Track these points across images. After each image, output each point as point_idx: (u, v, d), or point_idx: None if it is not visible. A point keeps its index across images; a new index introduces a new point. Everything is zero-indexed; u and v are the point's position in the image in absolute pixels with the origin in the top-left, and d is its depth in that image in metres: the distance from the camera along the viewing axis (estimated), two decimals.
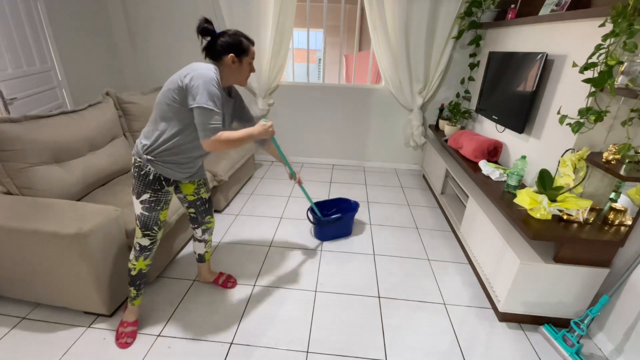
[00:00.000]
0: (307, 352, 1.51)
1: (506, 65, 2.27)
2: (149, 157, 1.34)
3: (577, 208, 1.53)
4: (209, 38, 1.33)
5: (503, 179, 2.04)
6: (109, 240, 1.52)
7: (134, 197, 1.41)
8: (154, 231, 1.46)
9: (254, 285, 1.89)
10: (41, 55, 2.57)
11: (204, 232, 1.73)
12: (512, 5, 2.41)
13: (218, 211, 2.66)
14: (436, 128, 3.23)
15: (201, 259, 1.83)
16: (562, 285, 1.57)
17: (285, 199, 2.91)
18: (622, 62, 1.37)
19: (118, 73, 3.44)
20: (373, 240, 2.36)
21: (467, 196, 2.21)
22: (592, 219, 1.56)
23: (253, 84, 3.29)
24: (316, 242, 2.31)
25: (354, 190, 3.12)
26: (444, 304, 1.82)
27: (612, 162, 1.43)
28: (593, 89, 1.47)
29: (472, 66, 2.99)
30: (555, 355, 1.54)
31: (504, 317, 1.72)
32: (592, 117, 1.45)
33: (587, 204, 1.52)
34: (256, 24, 3.03)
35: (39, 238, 1.40)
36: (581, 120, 1.50)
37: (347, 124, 3.55)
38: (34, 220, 1.42)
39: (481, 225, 1.96)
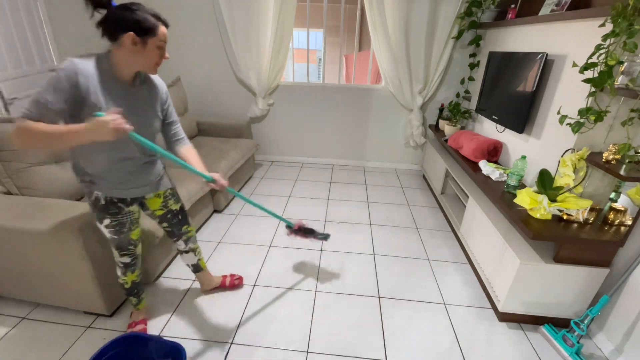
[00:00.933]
0: (307, 352, 1.51)
1: (506, 65, 2.27)
2: (84, 182, 1.20)
3: (577, 208, 1.53)
4: (103, 11, 1.05)
5: (503, 179, 2.04)
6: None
7: (98, 224, 1.30)
8: (130, 249, 1.42)
9: (254, 285, 1.89)
10: (41, 55, 2.57)
11: (186, 242, 1.61)
12: (512, 5, 2.41)
13: (218, 211, 2.66)
14: (436, 128, 3.23)
15: (197, 268, 1.73)
16: (562, 285, 1.57)
17: (285, 199, 2.91)
18: (622, 62, 1.37)
19: None
20: (373, 240, 2.36)
21: (467, 196, 2.21)
22: (592, 219, 1.56)
23: (253, 83, 3.30)
24: (316, 242, 2.31)
25: (354, 190, 3.12)
26: (444, 304, 1.82)
27: (612, 162, 1.43)
28: (593, 89, 1.47)
29: (472, 66, 2.99)
30: (555, 355, 1.54)
31: (504, 317, 1.72)
32: (592, 117, 1.45)
33: (587, 204, 1.52)
34: (256, 24, 3.03)
35: (39, 238, 1.40)
36: (581, 120, 1.50)
37: (347, 124, 3.56)
38: (34, 220, 1.42)
39: (481, 225, 1.96)
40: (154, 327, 1.61)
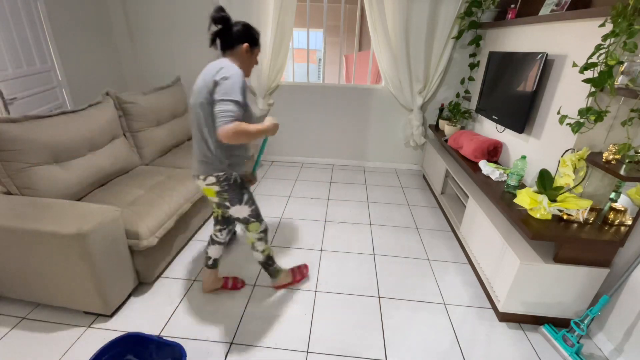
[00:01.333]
0: (307, 352, 1.51)
1: (506, 65, 2.27)
2: (224, 170, 1.41)
3: (577, 208, 1.53)
4: (220, 26, 1.35)
5: (503, 179, 2.04)
6: (109, 240, 1.52)
7: (237, 206, 1.49)
8: (260, 215, 1.62)
9: (254, 285, 1.89)
10: (41, 55, 2.57)
11: (228, 233, 1.75)
12: (512, 5, 2.41)
13: None
14: (436, 128, 3.23)
15: (215, 264, 1.77)
16: (562, 285, 1.57)
17: (285, 199, 2.91)
18: (622, 62, 1.37)
19: (118, 73, 3.44)
20: (373, 240, 2.36)
21: (467, 196, 2.21)
22: (592, 219, 1.56)
23: (253, 83, 3.29)
24: (316, 242, 2.31)
25: (354, 190, 3.12)
26: (444, 304, 1.82)
27: (612, 162, 1.43)
28: (593, 89, 1.47)
29: (472, 66, 2.99)
30: (555, 355, 1.54)
31: (504, 317, 1.72)
32: (592, 117, 1.45)
33: (587, 204, 1.52)
34: (256, 24, 2.97)
35: (39, 238, 1.40)
36: (581, 120, 1.50)
37: (347, 124, 3.55)
38: (34, 220, 1.42)
39: (481, 225, 1.96)
40: (154, 327, 1.61)
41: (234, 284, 1.85)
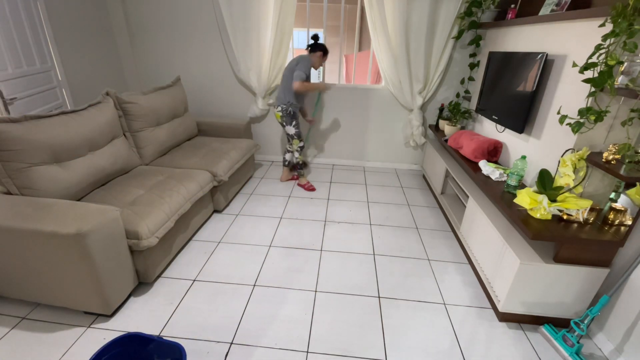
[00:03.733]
0: (307, 352, 1.51)
1: (506, 65, 2.27)
2: (287, 104, 2.78)
3: (577, 208, 1.53)
4: (312, 42, 2.76)
5: (503, 179, 2.04)
6: (109, 240, 1.52)
7: (288, 126, 2.86)
8: (302, 137, 2.94)
9: (254, 285, 1.89)
10: (41, 55, 2.57)
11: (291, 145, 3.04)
12: (512, 5, 2.41)
13: (218, 211, 2.66)
14: (436, 128, 3.23)
15: (287, 164, 3.20)
16: (562, 285, 1.57)
17: (285, 199, 2.91)
18: (622, 62, 1.37)
19: (118, 73, 3.44)
20: (373, 240, 2.36)
21: (467, 196, 2.21)
22: (592, 219, 1.56)
23: (253, 83, 3.30)
24: (316, 242, 2.31)
25: (354, 190, 3.12)
26: (444, 304, 1.82)
27: (612, 162, 1.44)
28: (593, 89, 1.47)
29: (472, 66, 2.99)
30: (555, 355, 1.54)
31: (504, 317, 1.72)
32: (592, 117, 1.45)
33: (587, 204, 1.52)
34: (256, 24, 3.03)
35: (39, 238, 1.40)
36: (581, 120, 1.50)
37: (347, 124, 3.55)
38: (34, 220, 1.42)
39: (481, 225, 1.96)
40: (154, 326, 1.61)
41: (305, 185, 3.08)
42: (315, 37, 2.73)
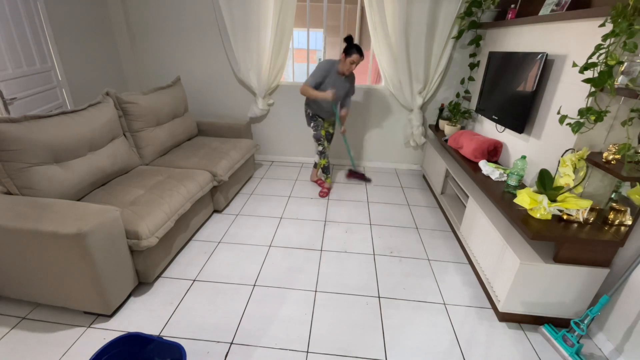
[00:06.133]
0: (307, 352, 1.51)
1: (506, 65, 2.27)
2: (307, 104, 2.84)
3: (577, 208, 1.53)
4: (345, 44, 2.55)
5: (503, 179, 2.04)
6: (109, 240, 1.52)
7: (309, 127, 2.90)
8: (321, 141, 2.86)
9: (254, 285, 1.89)
10: (41, 55, 2.56)
11: (322, 147, 2.95)
12: (512, 5, 2.41)
13: (218, 211, 2.66)
14: (436, 128, 3.23)
15: (316, 166, 3.17)
16: (562, 285, 1.57)
17: (285, 199, 2.91)
18: (622, 62, 1.37)
19: (118, 73, 3.44)
20: (373, 240, 2.36)
21: (467, 196, 2.21)
22: (592, 219, 1.56)
23: (253, 83, 3.30)
24: (316, 242, 2.31)
25: (354, 190, 3.12)
26: (444, 304, 1.82)
27: (612, 162, 1.43)
28: (593, 89, 1.47)
29: (472, 66, 2.99)
30: (555, 355, 1.54)
31: (504, 317, 1.72)
32: (592, 117, 1.45)
33: (587, 204, 1.52)
34: (256, 24, 3.03)
35: (39, 238, 1.40)
36: (581, 120, 1.50)
37: (347, 124, 3.55)
38: (34, 220, 1.42)
39: (481, 225, 1.96)
40: (154, 326, 1.61)
41: (323, 187, 3.03)
42: (346, 39, 2.52)
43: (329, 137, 3.05)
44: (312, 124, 2.82)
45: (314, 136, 2.84)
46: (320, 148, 2.86)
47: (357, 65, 2.59)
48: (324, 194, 2.96)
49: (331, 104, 2.71)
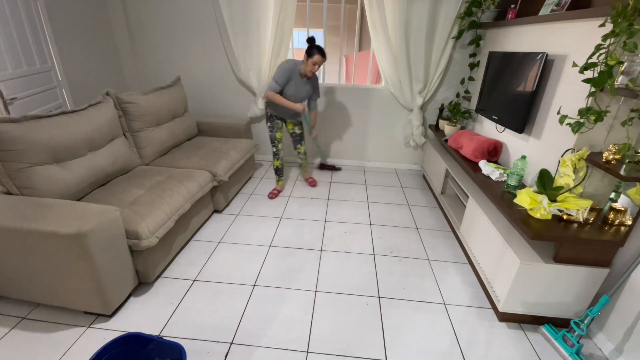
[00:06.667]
0: (307, 352, 1.51)
1: (506, 65, 2.27)
2: (267, 105, 2.72)
3: (577, 208, 1.53)
4: (308, 44, 2.47)
5: (503, 179, 2.04)
6: (109, 240, 1.52)
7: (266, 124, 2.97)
8: (274, 143, 2.81)
9: (254, 285, 1.89)
10: (41, 55, 2.57)
11: (298, 153, 3.04)
12: (512, 5, 2.41)
13: (218, 211, 2.66)
14: (436, 128, 3.23)
15: (301, 166, 3.22)
16: (562, 285, 1.57)
17: (285, 199, 2.91)
18: (622, 62, 1.37)
19: (118, 73, 3.44)
20: (373, 240, 2.36)
21: (467, 196, 2.21)
22: (592, 219, 1.56)
23: (253, 83, 3.30)
24: (317, 242, 2.31)
25: (354, 190, 3.12)
26: (444, 304, 1.82)
27: (612, 162, 1.43)
28: (593, 89, 1.47)
29: (472, 66, 2.99)
30: (555, 355, 1.54)
31: (504, 317, 1.72)
32: (592, 117, 1.45)
33: (587, 204, 1.52)
34: (256, 24, 3.03)
35: (39, 238, 1.40)
36: (581, 120, 1.50)
37: (347, 124, 3.55)
38: (34, 220, 1.42)
39: (481, 225, 1.96)
40: (154, 326, 1.61)
41: (274, 190, 2.96)
42: (308, 40, 2.46)
43: (297, 138, 2.94)
44: (268, 124, 2.76)
45: (269, 137, 2.81)
46: (274, 150, 2.83)
47: (319, 67, 2.50)
48: (274, 195, 2.92)
49: (302, 115, 2.79)
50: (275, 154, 2.86)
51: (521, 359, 1.53)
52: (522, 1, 2.37)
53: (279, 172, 2.95)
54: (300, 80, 2.55)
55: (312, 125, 2.92)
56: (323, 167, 3.56)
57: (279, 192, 2.99)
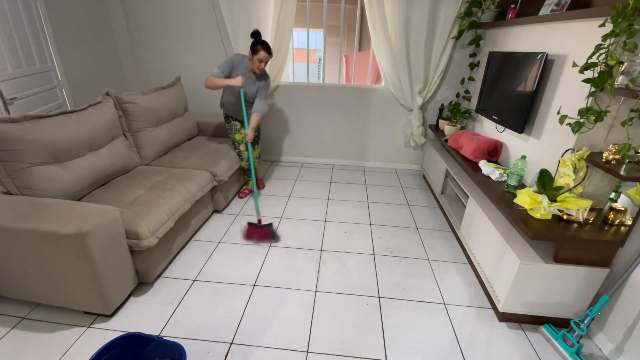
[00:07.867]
0: (307, 352, 1.51)
1: (506, 65, 2.27)
2: (220, 105, 2.69)
3: (577, 208, 1.53)
4: (253, 39, 2.32)
5: (503, 179, 2.04)
6: (109, 240, 1.52)
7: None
8: (235, 145, 2.73)
9: (254, 285, 1.89)
10: (41, 55, 2.57)
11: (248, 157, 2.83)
12: (512, 5, 2.41)
13: (218, 211, 2.66)
14: (436, 128, 3.23)
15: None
16: (562, 285, 1.57)
17: (285, 199, 2.91)
18: (622, 62, 1.37)
19: (118, 73, 3.44)
20: (373, 240, 2.36)
21: (467, 196, 2.21)
22: (592, 219, 1.56)
23: None
24: (317, 242, 2.31)
25: (354, 190, 3.12)
26: (444, 304, 1.82)
27: (612, 162, 1.43)
28: (593, 89, 1.47)
29: (472, 66, 2.99)
30: (555, 355, 1.54)
31: (504, 317, 1.72)
32: (592, 117, 1.45)
33: (587, 204, 1.52)
34: (256, 24, 3.03)
35: (39, 238, 1.40)
36: (581, 120, 1.50)
37: (347, 124, 3.55)
38: (34, 220, 1.42)
39: (481, 225, 1.96)
40: (154, 326, 1.61)
41: (244, 190, 2.96)
42: (253, 34, 2.28)
43: (254, 140, 2.75)
44: (227, 126, 2.70)
45: (230, 138, 2.76)
46: (237, 151, 2.73)
47: (266, 64, 2.37)
48: (244, 195, 2.91)
49: (239, 90, 2.40)
50: (239, 155, 2.74)
51: (521, 359, 1.53)
52: (522, 1, 2.37)
53: (246, 172, 2.82)
54: (249, 76, 2.42)
55: (251, 127, 2.49)
56: (253, 231, 2.33)
57: (250, 191, 2.93)
